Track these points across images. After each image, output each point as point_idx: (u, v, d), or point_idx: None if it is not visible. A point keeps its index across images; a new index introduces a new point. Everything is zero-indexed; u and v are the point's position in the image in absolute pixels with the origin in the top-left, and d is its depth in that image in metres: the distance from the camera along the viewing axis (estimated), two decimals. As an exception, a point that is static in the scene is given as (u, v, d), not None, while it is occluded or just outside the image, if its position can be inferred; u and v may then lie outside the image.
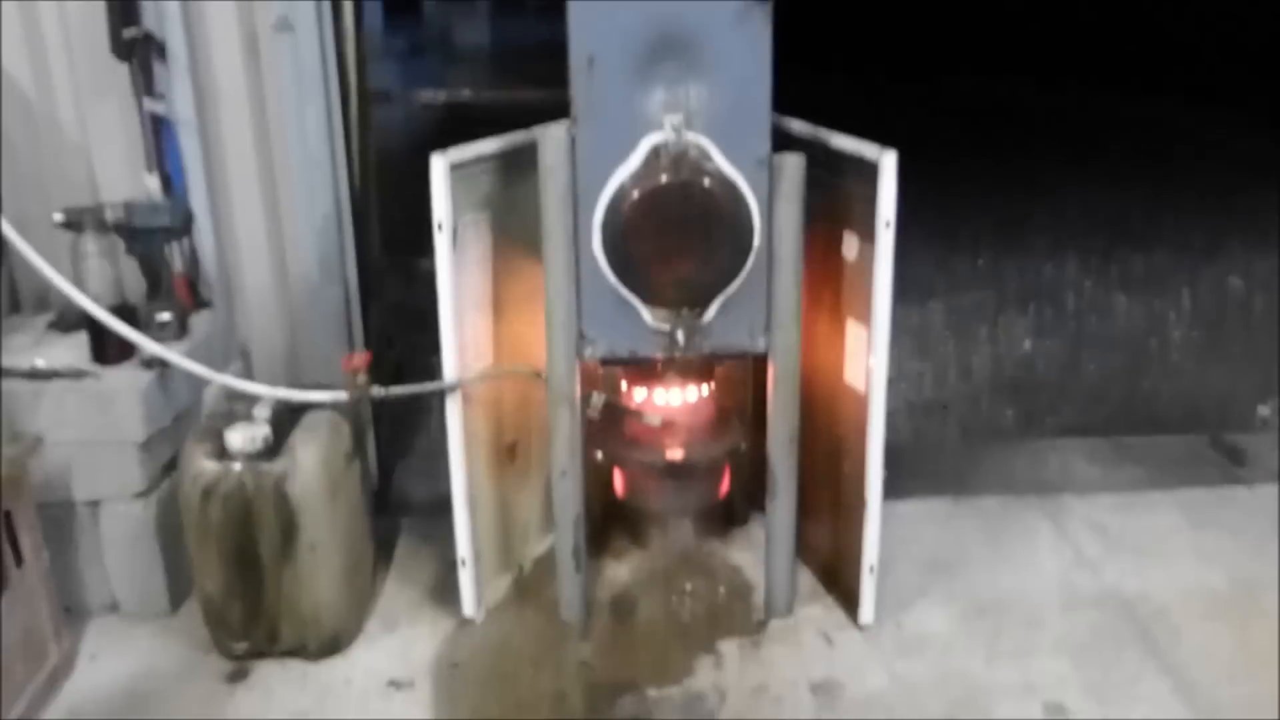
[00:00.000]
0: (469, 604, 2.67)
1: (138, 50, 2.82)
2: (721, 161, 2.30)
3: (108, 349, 2.61)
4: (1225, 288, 5.66)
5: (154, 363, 2.60)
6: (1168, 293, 5.59)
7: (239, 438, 2.38)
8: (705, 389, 2.74)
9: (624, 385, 2.71)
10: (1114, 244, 6.48)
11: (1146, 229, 6.81)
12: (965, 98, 12.81)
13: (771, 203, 2.34)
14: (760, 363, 2.59)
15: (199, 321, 2.86)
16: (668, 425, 2.67)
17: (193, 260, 3.01)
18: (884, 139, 2.33)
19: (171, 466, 2.63)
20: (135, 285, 2.74)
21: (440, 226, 2.37)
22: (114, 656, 2.58)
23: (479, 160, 2.48)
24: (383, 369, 3.31)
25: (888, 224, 2.32)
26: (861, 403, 2.49)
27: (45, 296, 3.04)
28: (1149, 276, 5.87)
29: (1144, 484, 3.33)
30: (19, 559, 2.34)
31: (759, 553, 2.84)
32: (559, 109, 2.36)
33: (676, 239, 2.33)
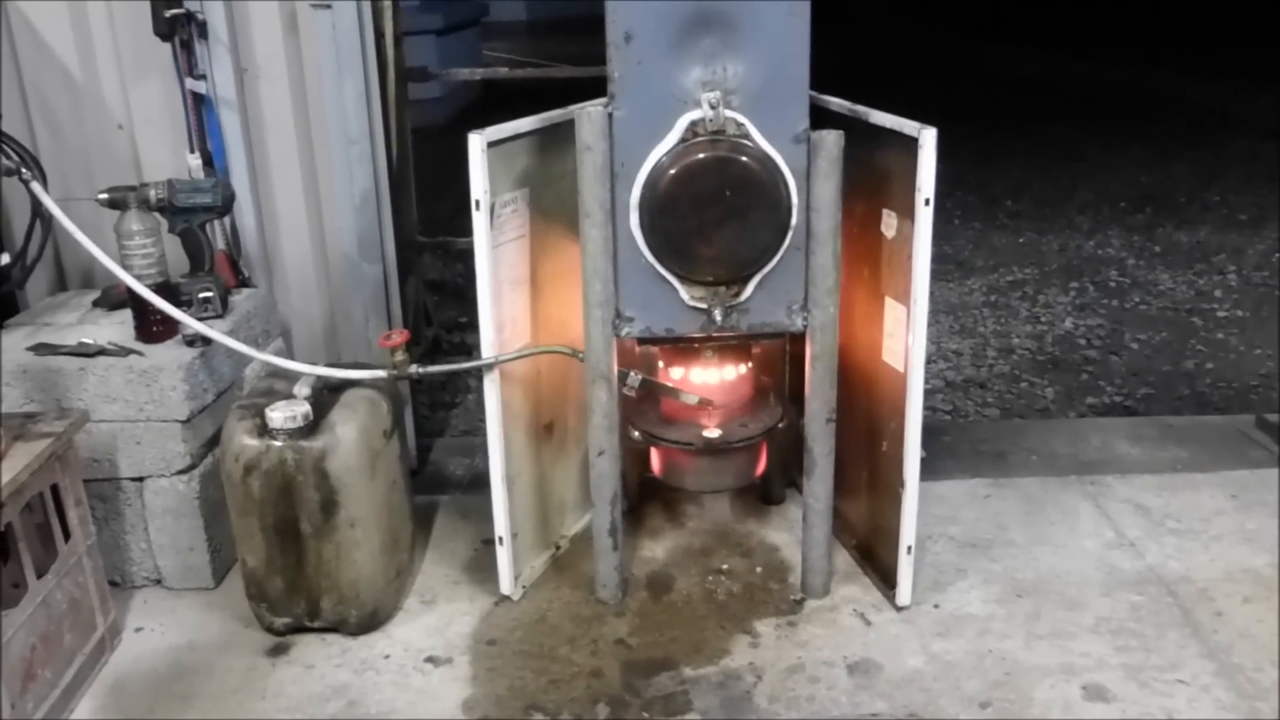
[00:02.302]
0: (506, 581, 2.68)
1: (179, 29, 2.85)
2: (759, 138, 2.29)
3: (151, 326, 2.65)
4: (1272, 265, 5.57)
5: (196, 340, 2.63)
6: (1212, 270, 5.51)
7: (280, 415, 2.40)
8: (742, 367, 2.73)
9: (660, 363, 2.71)
10: (1157, 220, 6.40)
11: (1191, 205, 6.72)
12: (1006, 71, 12.66)
13: (809, 179, 2.32)
14: (798, 341, 2.58)
15: (240, 299, 2.89)
16: (704, 404, 2.66)
17: (234, 238, 3.05)
18: (923, 114, 2.30)
19: (214, 443, 2.66)
20: (178, 263, 2.76)
21: (478, 204, 2.37)
22: (158, 629, 2.62)
23: (516, 138, 2.48)
24: (420, 346, 3.33)
25: (927, 201, 2.29)
26: (900, 381, 2.47)
27: (90, 274, 3.09)
28: (1193, 253, 5.78)
29: (1187, 465, 3.28)
30: (66, 533, 2.38)
31: (796, 532, 2.83)
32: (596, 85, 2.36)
33: (714, 216, 2.31)
